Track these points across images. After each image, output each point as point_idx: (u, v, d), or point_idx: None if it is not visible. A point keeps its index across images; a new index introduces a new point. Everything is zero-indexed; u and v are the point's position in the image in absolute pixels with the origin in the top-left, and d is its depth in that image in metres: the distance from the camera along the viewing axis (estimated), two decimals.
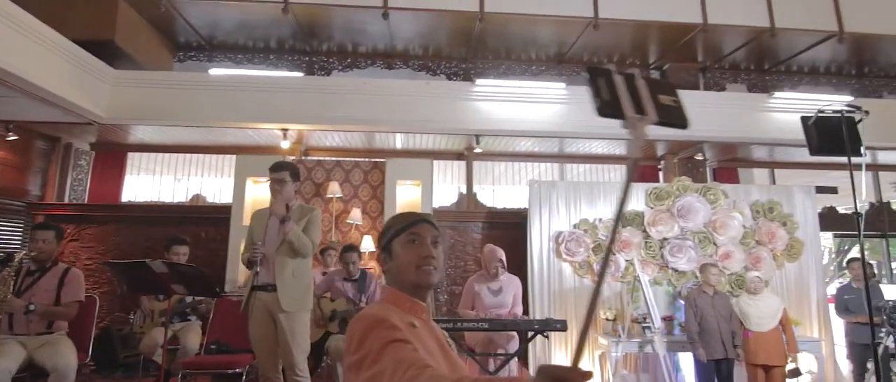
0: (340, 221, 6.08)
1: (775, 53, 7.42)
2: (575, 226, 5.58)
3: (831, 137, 3.25)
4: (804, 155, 6.87)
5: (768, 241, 5.56)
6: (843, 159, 3.36)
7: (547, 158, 7.60)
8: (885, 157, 7.13)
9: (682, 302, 5.04)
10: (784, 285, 5.59)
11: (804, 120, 3.40)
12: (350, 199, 6.19)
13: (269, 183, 3.32)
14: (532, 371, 5.14)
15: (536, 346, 5.12)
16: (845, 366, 5.51)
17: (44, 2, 5.14)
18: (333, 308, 4.38)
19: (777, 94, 7.42)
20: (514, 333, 4.14)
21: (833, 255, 11.72)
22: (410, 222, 1.47)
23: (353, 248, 4.58)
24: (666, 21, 6.60)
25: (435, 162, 6.68)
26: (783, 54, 7.42)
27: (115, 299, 5.96)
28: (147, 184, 7.33)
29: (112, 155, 7.03)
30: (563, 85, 7.30)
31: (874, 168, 7.55)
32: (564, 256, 5.50)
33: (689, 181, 5.79)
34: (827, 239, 8.84)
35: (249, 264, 3.23)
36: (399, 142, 6.93)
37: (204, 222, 6.31)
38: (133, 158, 7.19)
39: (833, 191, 6.97)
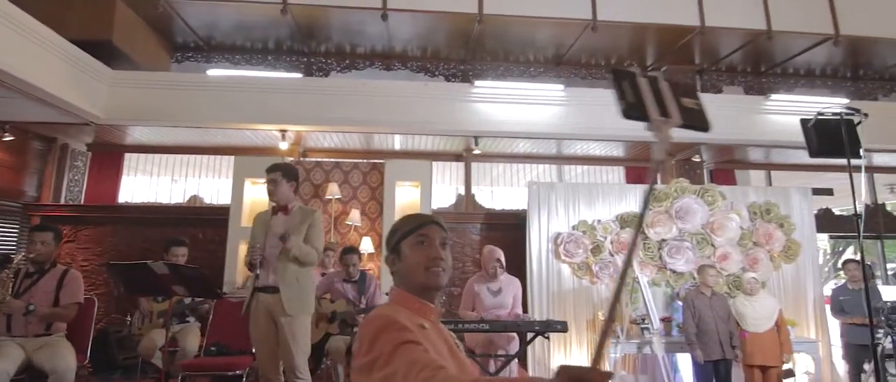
0: (339, 222, 6.08)
1: (772, 56, 7.47)
2: (574, 228, 5.60)
3: (831, 139, 3.28)
4: (800, 156, 6.95)
5: (765, 243, 5.60)
6: (841, 161, 3.39)
7: (545, 160, 7.61)
8: (879, 159, 7.18)
9: (681, 303, 5.06)
10: (781, 286, 5.63)
11: (804, 122, 3.43)
12: (349, 201, 6.19)
13: (265, 184, 3.31)
14: (531, 372, 5.15)
15: (535, 348, 5.13)
16: (841, 367, 5.54)
17: (41, 1, 5.11)
18: (333, 309, 4.37)
19: (773, 97, 7.46)
20: (515, 334, 4.15)
21: (827, 256, 11.79)
22: (419, 223, 1.47)
23: (353, 250, 4.57)
24: (663, 23, 6.63)
25: (433, 163, 6.68)
26: (779, 57, 7.48)
27: (112, 300, 5.93)
28: (144, 185, 7.29)
29: (109, 155, 6.99)
30: (561, 86, 7.32)
31: (869, 169, 7.61)
32: (563, 257, 5.51)
33: (687, 182, 5.81)
34: (822, 240, 8.90)
35: (251, 266, 3.22)
36: (398, 143, 6.93)
37: (202, 223, 6.28)
38: (130, 159, 7.15)
39: (829, 192, 7.02)
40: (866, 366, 4.85)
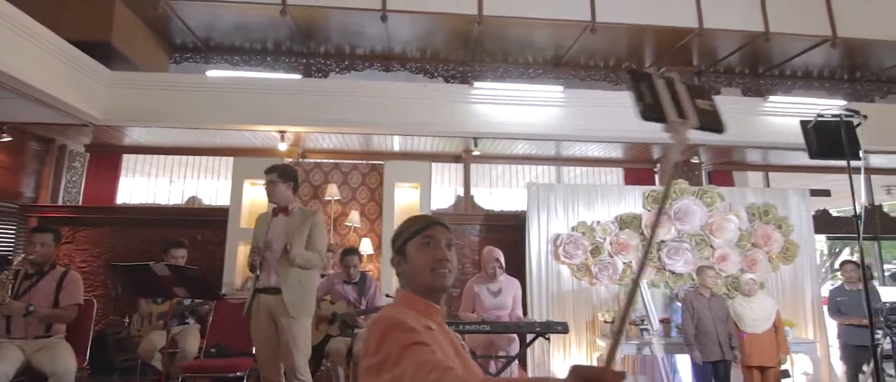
0: (338, 224, 6.07)
1: (769, 58, 7.51)
2: (573, 229, 5.60)
3: (831, 141, 3.29)
4: (798, 158, 6.98)
5: (764, 244, 5.62)
6: (839, 162, 3.40)
7: (544, 161, 7.62)
8: (876, 161, 7.22)
9: (680, 304, 5.07)
10: (779, 287, 5.64)
11: (804, 124, 3.44)
12: (348, 202, 6.18)
13: (264, 185, 3.31)
14: (531, 373, 5.15)
15: (535, 349, 5.13)
16: (839, 367, 5.56)
17: (40, 2, 5.09)
18: (333, 310, 4.36)
19: (771, 98, 7.49)
20: (515, 335, 4.15)
21: (824, 257, 11.83)
22: (424, 225, 1.47)
23: (353, 251, 4.57)
24: (662, 25, 6.66)
25: (433, 164, 6.67)
26: (777, 59, 7.51)
27: (110, 302, 5.90)
28: (142, 186, 7.26)
29: (107, 156, 6.97)
30: (560, 88, 7.34)
31: (866, 171, 7.65)
32: (562, 259, 5.52)
33: (686, 184, 5.83)
34: (819, 241, 8.93)
35: (252, 267, 3.22)
36: (397, 144, 6.93)
37: (200, 225, 6.26)
38: (128, 160, 7.12)
39: (826, 193, 7.05)
40: (865, 367, 4.86)
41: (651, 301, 5.05)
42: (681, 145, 1.08)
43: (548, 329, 3.96)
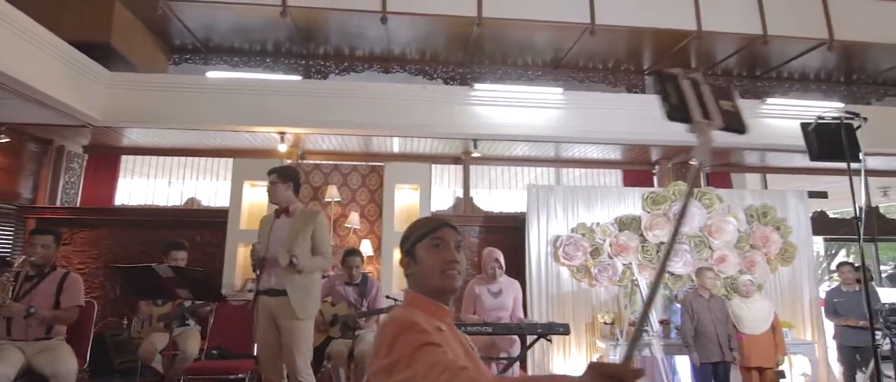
0: (338, 225, 6.07)
1: (767, 60, 7.55)
2: (572, 230, 5.62)
3: (831, 143, 3.32)
4: (795, 160, 7.02)
5: (762, 245, 5.64)
6: (838, 164, 3.43)
7: (543, 163, 7.64)
8: (873, 163, 7.26)
9: (679, 305, 5.09)
10: (778, 288, 5.67)
11: (804, 126, 3.47)
12: (348, 203, 6.18)
13: (266, 187, 3.32)
14: (531, 374, 5.15)
15: (535, 350, 5.13)
16: (837, 368, 5.59)
17: (39, 2, 5.08)
18: (335, 312, 4.36)
19: (769, 100, 7.52)
20: (516, 337, 4.16)
21: (821, 259, 11.88)
22: (434, 227, 1.48)
23: (355, 252, 4.56)
24: (661, 28, 6.69)
25: (432, 166, 6.68)
26: (775, 61, 7.56)
27: (109, 303, 5.88)
28: (141, 187, 7.24)
29: (105, 158, 6.94)
30: (559, 90, 7.33)
31: (864, 173, 7.69)
32: (562, 260, 5.53)
33: (685, 185, 5.85)
34: (816, 243, 8.97)
35: (254, 269, 3.22)
36: (396, 145, 6.93)
37: (200, 226, 6.25)
38: (126, 161, 7.10)
39: (823, 195, 7.08)
40: (865, 369, 4.89)
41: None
42: (706, 146, 1.09)
43: (549, 330, 3.97)
